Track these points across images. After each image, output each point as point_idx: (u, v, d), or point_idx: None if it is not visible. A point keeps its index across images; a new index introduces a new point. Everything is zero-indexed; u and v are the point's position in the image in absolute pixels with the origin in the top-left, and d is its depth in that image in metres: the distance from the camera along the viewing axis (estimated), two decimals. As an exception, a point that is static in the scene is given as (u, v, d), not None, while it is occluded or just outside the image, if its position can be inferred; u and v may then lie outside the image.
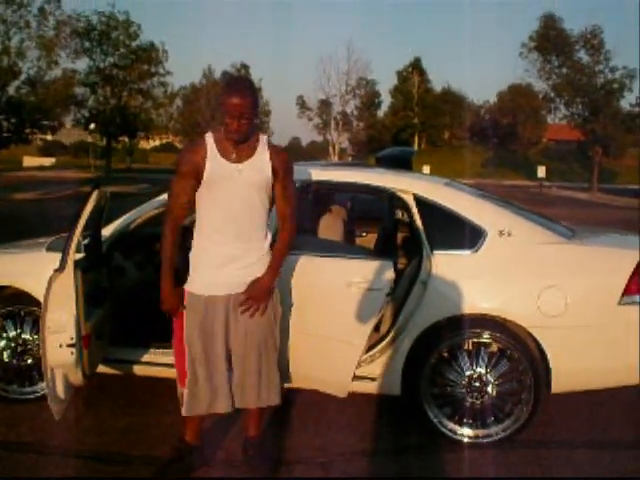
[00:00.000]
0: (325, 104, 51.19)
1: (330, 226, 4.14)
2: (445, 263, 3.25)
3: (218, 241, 2.69)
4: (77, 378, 3.07)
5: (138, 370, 3.57)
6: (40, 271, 3.22)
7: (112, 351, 3.52)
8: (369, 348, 3.24)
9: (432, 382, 3.29)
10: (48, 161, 48.60)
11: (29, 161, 45.95)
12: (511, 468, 3.05)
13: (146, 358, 3.52)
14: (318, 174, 3.55)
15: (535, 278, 3.19)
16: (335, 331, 3.06)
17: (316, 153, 57.84)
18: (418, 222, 3.35)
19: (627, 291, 3.12)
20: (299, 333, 3.13)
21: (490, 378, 3.23)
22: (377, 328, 3.29)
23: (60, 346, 2.95)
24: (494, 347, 3.23)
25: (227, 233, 2.68)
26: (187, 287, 2.75)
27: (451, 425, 3.28)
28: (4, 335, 3.62)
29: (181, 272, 2.81)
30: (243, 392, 2.78)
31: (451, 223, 3.33)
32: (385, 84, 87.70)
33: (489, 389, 3.23)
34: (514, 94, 51.26)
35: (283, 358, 3.04)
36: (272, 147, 2.74)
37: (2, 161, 38.31)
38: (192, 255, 2.76)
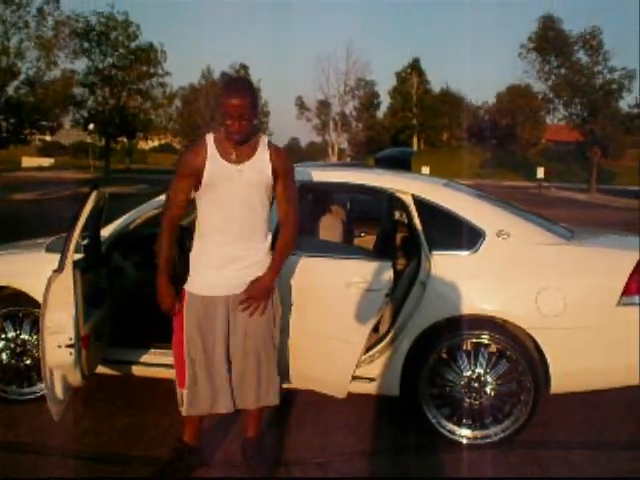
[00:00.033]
0: (324, 105, 51.11)
1: (329, 227, 4.14)
2: (444, 264, 3.25)
3: (219, 241, 2.69)
4: (76, 379, 3.07)
5: (137, 371, 3.57)
6: (39, 272, 3.22)
7: (111, 352, 3.52)
8: (368, 349, 3.25)
9: (431, 383, 3.29)
10: (47, 161, 48.44)
11: (28, 161, 45.81)
12: (510, 468, 3.06)
13: (145, 359, 3.52)
14: (317, 175, 3.55)
15: (534, 279, 3.19)
16: (334, 331, 3.06)
17: (315, 154, 57.77)
18: (417, 223, 3.35)
19: (626, 292, 3.12)
20: (298, 333, 3.13)
21: (489, 379, 3.23)
22: (376, 329, 3.30)
23: (59, 347, 2.95)
24: (493, 348, 3.23)
25: (228, 233, 2.68)
26: (187, 287, 2.75)
27: (450, 426, 3.29)
28: (3, 336, 3.62)
29: (180, 273, 2.82)
30: (242, 393, 2.78)
31: (450, 224, 3.33)
32: (384, 85, 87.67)
33: (488, 390, 3.23)
34: (513, 95, 51.17)
35: (282, 358, 3.04)
36: (272, 147, 2.73)
37: (1, 161, 38.30)
38: (192, 256, 2.76)
